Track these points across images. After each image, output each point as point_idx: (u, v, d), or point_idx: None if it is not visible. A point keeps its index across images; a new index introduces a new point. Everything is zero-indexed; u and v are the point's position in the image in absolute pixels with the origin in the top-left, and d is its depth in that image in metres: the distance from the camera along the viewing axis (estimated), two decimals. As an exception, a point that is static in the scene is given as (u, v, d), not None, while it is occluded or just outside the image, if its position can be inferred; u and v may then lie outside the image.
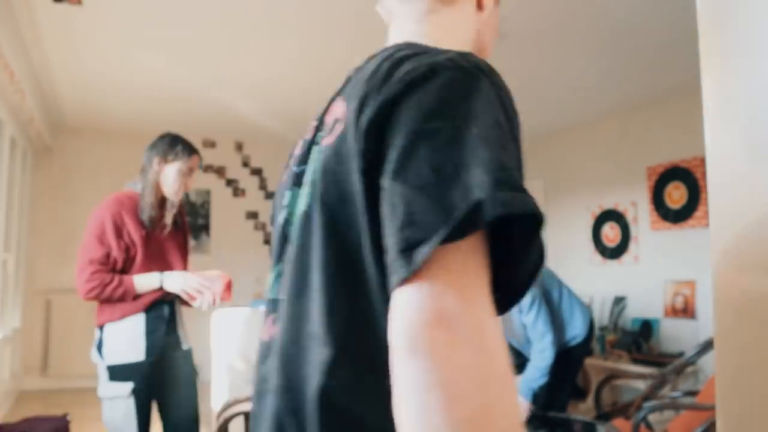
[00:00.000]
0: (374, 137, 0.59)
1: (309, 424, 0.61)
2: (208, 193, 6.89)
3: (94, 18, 3.62)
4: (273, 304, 0.76)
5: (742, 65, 0.88)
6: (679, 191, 5.12)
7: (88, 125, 6.30)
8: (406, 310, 0.51)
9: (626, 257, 5.62)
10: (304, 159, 0.77)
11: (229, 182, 7.01)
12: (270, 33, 3.88)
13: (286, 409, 0.64)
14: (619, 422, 2.96)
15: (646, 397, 3.08)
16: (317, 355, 0.62)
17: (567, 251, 6.39)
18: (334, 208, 0.63)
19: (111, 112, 5.79)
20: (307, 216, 0.67)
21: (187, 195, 6.79)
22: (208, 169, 6.92)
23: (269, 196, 7.18)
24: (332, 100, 0.82)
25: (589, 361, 5.46)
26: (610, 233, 5.82)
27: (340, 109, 0.71)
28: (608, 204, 5.87)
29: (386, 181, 0.56)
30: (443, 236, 0.51)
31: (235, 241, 6.94)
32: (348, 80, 0.82)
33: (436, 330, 0.50)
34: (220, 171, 6.97)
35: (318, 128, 0.79)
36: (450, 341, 0.49)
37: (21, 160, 5.43)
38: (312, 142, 0.78)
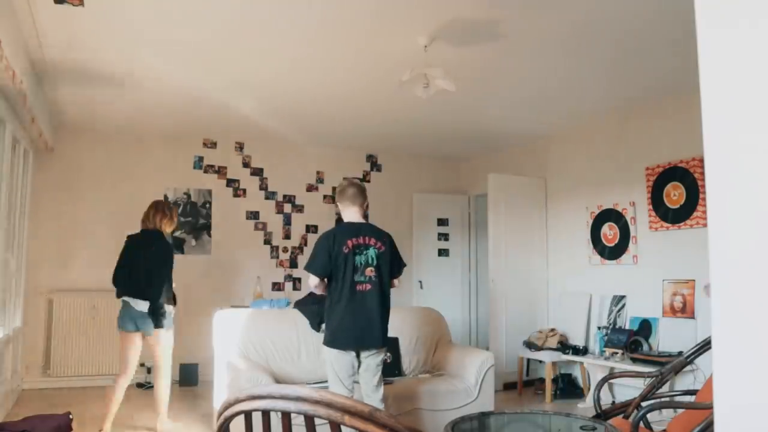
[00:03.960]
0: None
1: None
2: (209, 193, 6.90)
3: (95, 19, 3.64)
4: (368, 281, 3.47)
5: (740, 65, 0.89)
6: (678, 191, 5.14)
7: (89, 126, 6.31)
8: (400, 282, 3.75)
9: (625, 257, 5.64)
10: (362, 248, 3.51)
11: (230, 182, 7.02)
12: (271, 34, 3.89)
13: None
14: (617, 421, 2.97)
15: (645, 397, 3.10)
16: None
17: (566, 251, 6.41)
18: (386, 262, 3.53)
19: (112, 112, 5.80)
20: (378, 261, 3.50)
21: (188, 195, 6.81)
22: (208, 169, 6.93)
23: (269, 196, 7.19)
24: (362, 236, 3.54)
25: (587, 361, 5.48)
26: (609, 233, 5.84)
27: (377, 242, 3.55)
28: (607, 204, 5.88)
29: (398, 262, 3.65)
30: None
31: (236, 241, 6.95)
32: (359, 230, 3.56)
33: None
34: (220, 171, 6.98)
35: (363, 242, 3.52)
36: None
37: (22, 160, 5.44)
38: (366, 245, 3.52)
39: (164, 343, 4.43)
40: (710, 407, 2.13)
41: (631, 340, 5.20)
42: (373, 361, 3.52)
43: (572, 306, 6.13)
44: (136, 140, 6.62)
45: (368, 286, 3.48)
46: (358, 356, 3.51)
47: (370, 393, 3.54)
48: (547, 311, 6.58)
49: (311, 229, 7.39)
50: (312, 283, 3.52)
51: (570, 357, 5.68)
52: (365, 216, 3.70)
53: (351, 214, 3.63)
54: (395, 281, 3.64)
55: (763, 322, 0.83)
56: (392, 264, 3.58)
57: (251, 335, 4.30)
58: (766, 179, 0.84)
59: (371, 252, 3.52)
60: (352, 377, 3.49)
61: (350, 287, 3.45)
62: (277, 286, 7.13)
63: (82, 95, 5.25)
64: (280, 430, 1.26)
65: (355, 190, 3.64)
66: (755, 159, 0.86)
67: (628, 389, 5.25)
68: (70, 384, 6.03)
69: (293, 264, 7.24)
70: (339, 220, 7.48)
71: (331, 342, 3.48)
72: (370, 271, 3.49)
